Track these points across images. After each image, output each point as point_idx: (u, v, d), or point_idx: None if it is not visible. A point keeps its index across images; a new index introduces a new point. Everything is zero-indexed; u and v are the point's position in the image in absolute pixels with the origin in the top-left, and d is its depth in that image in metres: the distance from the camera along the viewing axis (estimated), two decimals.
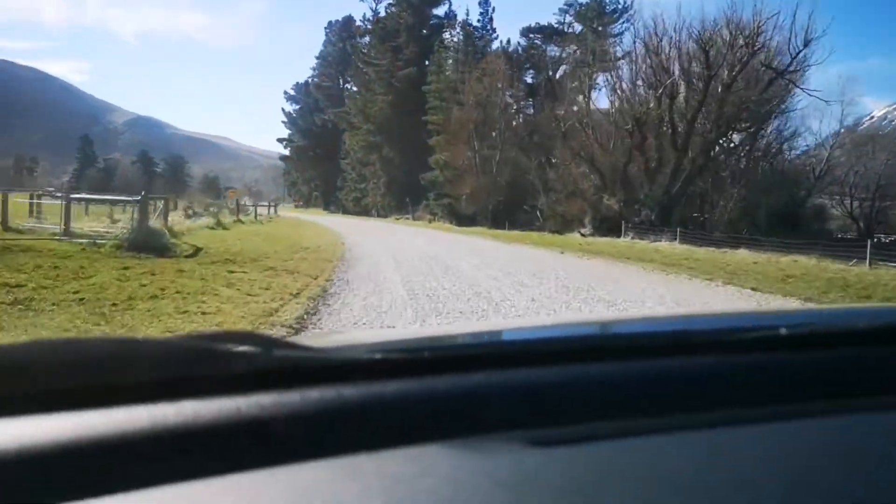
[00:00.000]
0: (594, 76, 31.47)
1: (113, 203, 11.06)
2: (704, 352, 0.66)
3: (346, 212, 51.18)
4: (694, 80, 26.31)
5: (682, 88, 26.07)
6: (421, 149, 40.12)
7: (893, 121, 59.58)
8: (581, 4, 38.44)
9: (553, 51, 42.98)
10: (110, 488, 0.41)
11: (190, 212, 19.02)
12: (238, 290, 6.02)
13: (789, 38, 24.77)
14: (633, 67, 27.43)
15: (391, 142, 44.64)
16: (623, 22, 36.31)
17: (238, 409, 0.47)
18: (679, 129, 25.87)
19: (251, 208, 29.39)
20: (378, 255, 11.92)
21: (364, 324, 5.03)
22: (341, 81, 63.74)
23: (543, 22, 43.24)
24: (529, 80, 41.12)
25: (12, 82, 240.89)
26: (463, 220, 33.36)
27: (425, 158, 39.15)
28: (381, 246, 14.69)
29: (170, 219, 16.08)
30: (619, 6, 36.80)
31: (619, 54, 32.33)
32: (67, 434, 0.43)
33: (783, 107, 28.19)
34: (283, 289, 6.38)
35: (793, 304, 7.08)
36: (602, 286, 8.03)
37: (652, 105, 24.84)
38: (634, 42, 28.35)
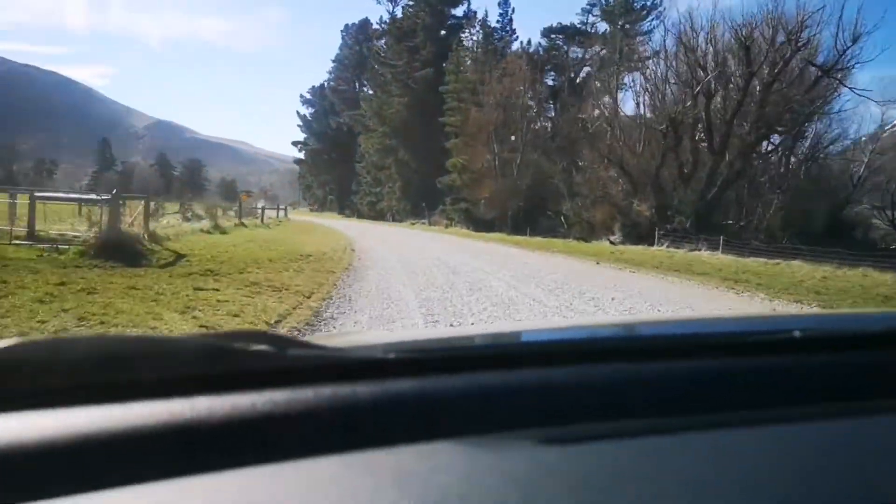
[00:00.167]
0: (621, 76, 29.83)
1: (84, 202, 9.62)
2: (713, 354, 0.67)
3: (360, 216, 50.11)
4: (732, 79, 24.54)
5: (720, 87, 24.28)
6: (438, 152, 38.76)
7: None
8: (607, 2, 36.77)
9: (575, 52, 41.54)
10: (129, 480, 0.42)
11: (189, 214, 17.70)
12: (195, 317, 4.51)
13: (836, 34, 22.86)
14: (666, 65, 25.68)
15: (407, 145, 43.31)
16: (652, 19, 34.61)
17: (253, 406, 0.48)
18: (715, 131, 24.08)
19: (260, 211, 28.11)
20: (391, 265, 10.38)
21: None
22: (357, 85, 62.82)
23: (565, 22, 41.80)
24: (550, 83, 39.68)
25: (35, 87, 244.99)
26: (481, 225, 31.76)
27: (442, 162, 37.76)
28: (394, 254, 13.15)
29: (164, 221, 14.77)
30: (648, 3, 35.07)
31: (647, 53, 30.70)
32: (87, 427, 0.44)
33: (826, 108, 26.27)
34: (259, 315, 4.86)
35: None
36: (685, 313, 6.34)
37: (689, 104, 23.02)
38: (664, 39, 26.76)
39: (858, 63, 23.53)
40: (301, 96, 69.93)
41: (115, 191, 8.71)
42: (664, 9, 32.99)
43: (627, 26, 34.56)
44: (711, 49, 24.35)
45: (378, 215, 47.31)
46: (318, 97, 68.00)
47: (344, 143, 58.20)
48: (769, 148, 27.53)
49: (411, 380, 0.55)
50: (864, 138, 28.91)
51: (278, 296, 5.89)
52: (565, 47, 42.02)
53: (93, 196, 9.26)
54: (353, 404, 0.51)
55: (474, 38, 42.73)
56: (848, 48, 22.89)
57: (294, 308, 5.37)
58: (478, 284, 8.01)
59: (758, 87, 24.30)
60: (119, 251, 7.89)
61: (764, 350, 0.69)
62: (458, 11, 45.87)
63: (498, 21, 43.82)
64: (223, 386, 0.50)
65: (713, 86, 23.74)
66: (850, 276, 11.61)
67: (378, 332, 3.74)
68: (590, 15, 40.34)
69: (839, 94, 25.33)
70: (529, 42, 41.78)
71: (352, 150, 54.80)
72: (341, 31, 69.47)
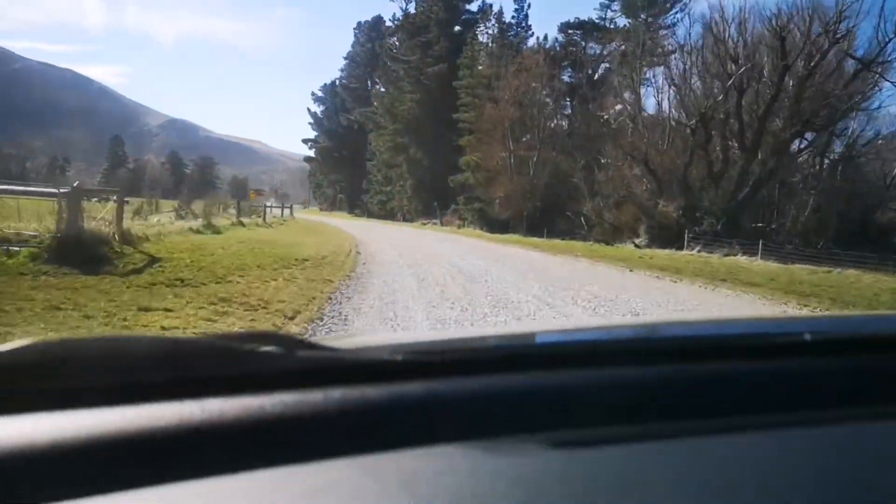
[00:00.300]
0: (644, 70, 28.35)
1: (40, 196, 8.42)
2: (725, 357, 0.66)
3: (370, 215, 49.08)
4: (765, 72, 22.99)
5: (753, 81, 22.73)
6: (450, 150, 37.54)
7: None
8: None
9: (593, 48, 40.09)
10: (138, 483, 0.42)
11: (184, 212, 16.55)
12: None
13: (877, 25, 21.27)
14: (693, 58, 24.13)
15: (419, 142, 42.07)
16: (676, 12, 33.05)
17: (262, 408, 0.49)
18: (747, 128, 22.56)
19: (262, 210, 26.99)
20: (399, 272, 9.11)
21: None
22: (369, 83, 61.83)
23: (583, 17, 40.34)
24: (566, 79, 38.33)
25: (52, 85, 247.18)
26: (495, 225, 30.42)
27: (455, 160, 36.52)
28: (404, 258, 11.88)
29: (155, 219, 13.63)
30: None
31: (671, 47, 29.20)
32: (98, 429, 0.44)
33: (865, 104, 24.60)
34: None
35: None
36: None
37: (720, 98, 21.50)
38: (689, 33, 25.22)
39: None
40: (313, 94, 69.06)
41: (75, 184, 7.53)
42: (689, 0, 31.46)
43: (650, 19, 33.06)
44: (742, 40, 22.84)
45: (388, 215, 46.22)
46: (330, 95, 67.06)
47: (355, 141, 57.25)
48: (801, 146, 25.95)
49: (420, 382, 0.54)
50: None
51: (251, 317, 4.62)
52: (583, 43, 40.63)
53: (50, 189, 8.04)
54: (363, 407, 0.51)
55: (489, 31, 41.42)
56: (890, 40, 21.29)
57: None
58: (502, 299, 6.70)
59: (790, 82, 22.78)
60: (78, 254, 6.71)
61: (776, 353, 0.68)
62: (473, 6, 44.66)
63: (513, 17, 42.57)
64: (233, 388, 0.50)
65: (745, 79, 22.21)
66: None
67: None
68: (608, 10, 38.96)
69: (880, 89, 23.68)
70: (546, 37, 40.26)
71: (363, 148, 53.84)
72: (354, 28, 68.49)
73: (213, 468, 0.43)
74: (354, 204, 57.60)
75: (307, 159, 72.24)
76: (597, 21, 39.75)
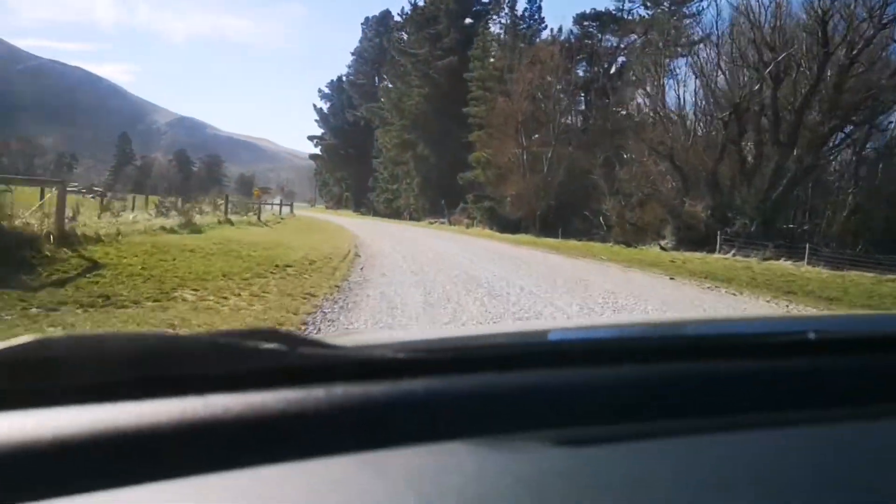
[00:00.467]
0: (668, 61, 26.63)
1: None
2: (730, 356, 0.66)
3: (377, 214, 47.68)
4: (802, 61, 21.22)
5: (790, 70, 20.95)
6: (459, 146, 36.00)
7: None
8: None
9: (609, 41, 38.43)
10: (141, 478, 0.42)
11: (163, 209, 15.08)
12: None
13: None
14: (720, 47, 22.36)
15: (426, 138, 40.53)
16: (701, 0, 31.23)
17: (265, 405, 0.49)
18: (782, 121, 20.81)
19: (268, 207, 25.60)
20: (402, 281, 7.58)
21: None
22: (377, 79, 60.45)
23: (599, 8, 38.69)
24: (581, 73, 36.73)
25: (62, 82, 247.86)
26: (506, 225, 28.82)
27: (463, 157, 34.98)
28: (408, 262, 10.32)
29: (130, 216, 12.14)
30: None
31: (696, 36, 27.47)
32: (102, 425, 0.45)
33: None
34: None
35: None
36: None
37: (756, 87, 19.72)
38: (716, 20, 23.49)
39: None
40: (320, 90, 67.75)
41: None
42: None
43: (673, 7, 31.31)
44: (780, 25, 21.07)
45: (395, 213, 44.77)
46: (336, 91, 65.73)
47: (361, 138, 55.88)
48: (836, 141, 24.14)
49: (424, 379, 0.54)
50: None
51: None
52: (599, 35, 38.96)
53: None
54: (365, 404, 0.51)
55: (502, 20, 39.79)
56: None
57: None
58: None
59: (828, 72, 21.00)
60: None
61: (781, 352, 0.68)
62: None
63: (526, 8, 40.93)
64: (235, 384, 0.50)
65: (782, 68, 20.44)
66: None
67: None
68: (626, 1, 37.23)
69: None
70: (560, 29, 38.58)
71: (369, 145, 52.45)
72: (361, 23, 67.01)
73: (216, 464, 0.43)
74: (360, 202, 56.28)
75: (313, 157, 70.89)
76: (614, 12, 38.16)
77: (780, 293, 8.41)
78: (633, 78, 27.98)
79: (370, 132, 51.63)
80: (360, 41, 66.11)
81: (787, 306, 7.27)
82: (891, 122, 23.57)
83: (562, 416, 0.54)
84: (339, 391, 0.50)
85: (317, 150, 67.68)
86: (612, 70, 36.27)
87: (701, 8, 30.49)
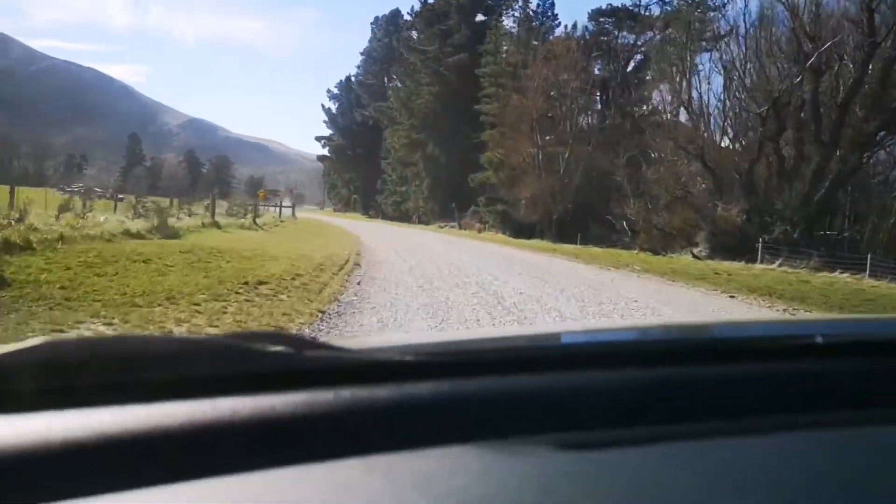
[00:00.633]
0: (693, 55, 24.98)
1: None
2: (738, 359, 0.66)
3: (385, 217, 46.27)
4: (845, 53, 19.49)
5: (833, 63, 19.21)
6: (470, 146, 34.48)
7: None
8: None
9: (625, 38, 36.82)
10: (151, 481, 0.42)
11: (142, 209, 13.65)
12: None
13: None
14: (759, 38, 20.63)
15: (436, 138, 39.00)
16: None
17: (273, 407, 0.49)
18: (823, 117, 19.07)
19: (272, 209, 24.24)
20: (408, 300, 6.05)
21: None
22: (386, 79, 59.11)
23: (615, 4, 36.97)
24: (597, 71, 35.15)
25: (75, 83, 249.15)
26: (520, 229, 27.22)
27: (475, 157, 33.45)
28: (416, 274, 8.76)
29: (102, 217, 10.69)
30: None
31: (722, 30, 25.81)
32: (110, 428, 0.45)
33: None
34: None
35: None
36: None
37: (797, 80, 17.98)
38: (744, 15, 21.78)
39: None
40: (328, 91, 66.61)
41: None
42: None
43: (697, 0, 29.62)
44: (821, 15, 19.35)
45: (403, 216, 43.28)
46: (345, 91, 64.50)
47: (369, 139, 54.55)
48: (882, 141, 22.34)
49: (430, 382, 0.54)
50: None
51: None
52: (616, 32, 37.34)
53: None
54: (373, 407, 0.51)
55: (515, 14, 38.26)
56: None
57: None
58: None
59: (872, 66, 19.24)
60: None
61: (788, 355, 0.68)
62: None
63: (539, 4, 39.35)
64: (243, 387, 0.50)
65: (825, 60, 18.72)
66: None
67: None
68: None
69: None
70: (575, 25, 36.98)
71: (378, 146, 51.08)
72: (371, 23, 65.72)
73: (225, 467, 0.43)
74: (368, 205, 54.97)
75: (321, 158, 69.59)
76: (631, 8, 36.53)
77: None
78: (650, 77, 26.37)
79: (379, 132, 50.29)
80: (370, 41, 64.92)
81: None
82: None
83: (569, 420, 0.54)
84: (347, 394, 0.51)
85: (325, 151, 66.45)
86: (630, 67, 34.75)
87: (725, 0, 28.80)
